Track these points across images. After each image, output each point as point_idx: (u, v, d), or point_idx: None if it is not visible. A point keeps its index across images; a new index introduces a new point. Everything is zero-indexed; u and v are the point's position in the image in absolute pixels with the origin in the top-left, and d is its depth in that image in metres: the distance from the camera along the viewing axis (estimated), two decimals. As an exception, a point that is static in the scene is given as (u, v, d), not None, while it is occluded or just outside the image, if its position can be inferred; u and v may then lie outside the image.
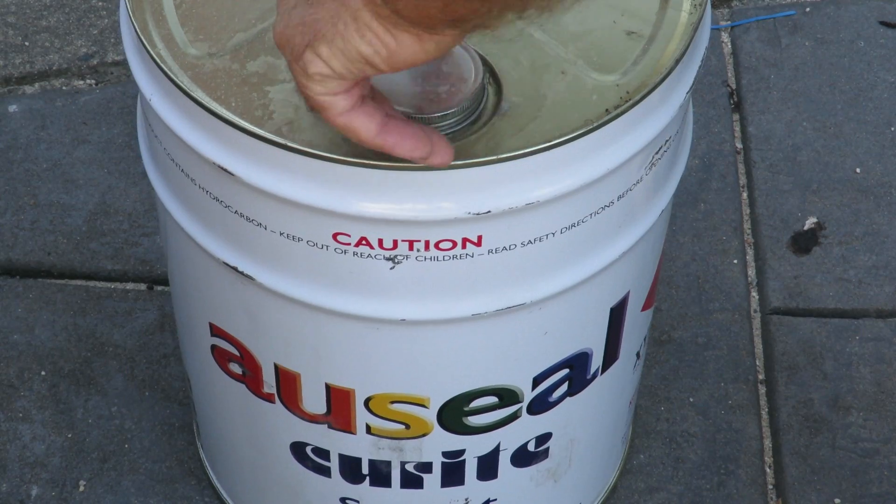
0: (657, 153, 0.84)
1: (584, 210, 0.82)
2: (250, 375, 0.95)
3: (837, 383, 1.28)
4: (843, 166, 1.44)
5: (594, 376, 0.97)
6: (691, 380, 1.29)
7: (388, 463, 0.97)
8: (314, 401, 0.93)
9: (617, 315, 0.94)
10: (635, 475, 1.23)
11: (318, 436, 0.96)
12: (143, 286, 1.35)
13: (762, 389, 1.29)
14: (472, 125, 0.79)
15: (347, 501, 1.02)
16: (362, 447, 0.96)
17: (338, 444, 0.96)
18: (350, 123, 0.71)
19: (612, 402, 1.04)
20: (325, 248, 0.81)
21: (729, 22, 1.58)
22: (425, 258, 0.80)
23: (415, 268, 0.81)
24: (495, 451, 0.98)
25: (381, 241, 0.79)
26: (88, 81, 1.53)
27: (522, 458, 1.00)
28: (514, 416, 0.95)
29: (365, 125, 0.71)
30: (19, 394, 1.27)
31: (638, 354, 1.04)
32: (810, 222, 1.40)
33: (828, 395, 1.27)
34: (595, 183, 0.80)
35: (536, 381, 0.93)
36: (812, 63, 1.53)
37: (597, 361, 0.96)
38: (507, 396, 0.93)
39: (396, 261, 0.80)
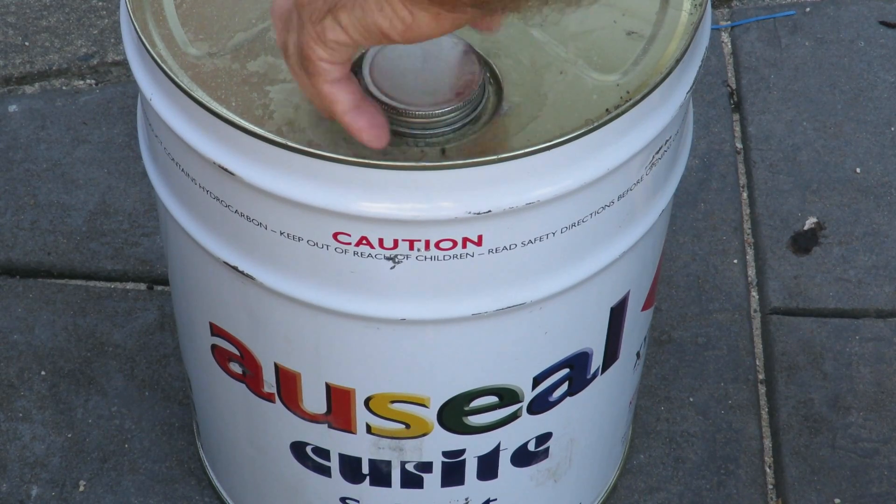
0: (657, 153, 0.84)
1: (585, 210, 0.82)
2: (250, 375, 0.95)
3: (837, 383, 1.28)
4: (843, 166, 1.44)
5: (594, 376, 0.97)
6: (691, 380, 1.29)
7: (389, 463, 0.97)
8: (314, 400, 0.93)
9: (617, 315, 0.94)
10: (635, 475, 1.23)
11: (319, 435, 0.96)
12: (143, 286, 1.35)
13: (762, 389, 1.29)
14: (472, 125, 0.79)
15: (347, 501, 1.02)
16: (362, 447, 0.96)
17: (338, 443, 0.96)
18: (333, 94, 0.73)
19: (612, 402, 1.04)
20: (325, 247, 0.81)
21: (729, 22, 1.58)
22: (426, 258, 0.80)
23: (415, 267, 0.81)
24: (495, 451, 0.98)
25: (381, 241, 0.79)
26: (88, 81, 1.53)
27: (522, 457, 1.00)
28: (514, 416, 0.95)
29: (343, 99, 0.73)
30: (19, 394, 1.27)
31: (638, 354, 1.04)
32: (810, 222, 1.40)
33: (828, 395, 1.27)
34: (595, 183, 0.80)
35: (536, 381, 0.93)
36: (812, 63, 1.54)
37: (597, 361, 0.96)
38: (507, 396, 0.93)
39: (397, 260, 0.80)
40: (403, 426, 0.94)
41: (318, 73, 0.72)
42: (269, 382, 0.94)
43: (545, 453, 1.01)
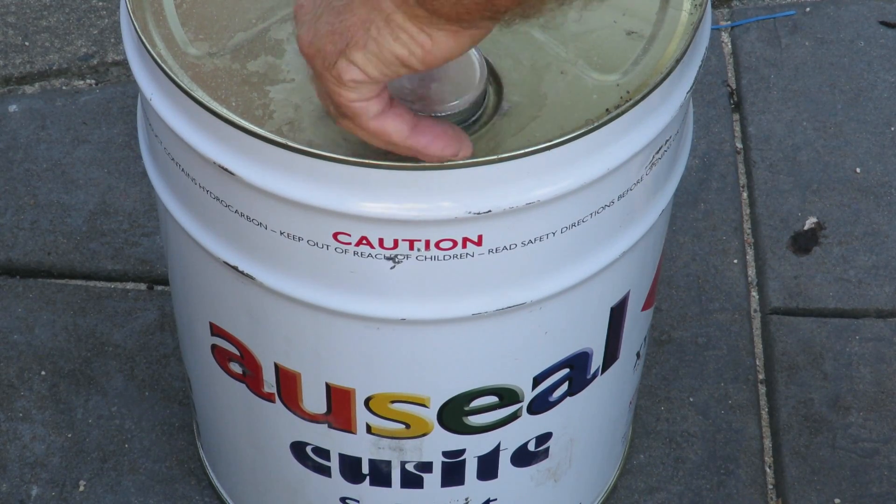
0: (657, 153, 0.84)
1: (585, 210, 0.82)
2: (250, 375, 0.95)
3: (837, 383, 1.28)
4: (843, 166, 1.44)
5: (594, 376, 0.97)
6: (691, 380, 1.29)
7: (389, 462, 0.97)
8: (314, 400, 0.93)
9: (617, 315, 0.94)
10: (635, 475, 1.23)
11: (319, 435, 0.96)
12: (143, 286, 1.35)
13: (762, 389, 1.29)
14: (472, 125, 0.79)
15: (347, 501, 1.02)
16: (362, 447, 0.96)
17: (338, 443, 0.96)
18: (382, 127, 0.72)
19: (612, 402, 1.04)
20: (325, 247, 0.81)
21: (729, 22, 1.58)
22: (426, 258, 0.80)
23: (415, 267, 0.81)
24: (495, 451, 0.98)
25: (381, 241, 0.79)
26: (88, 81, 1.53)
27: (522, 457, 1.00)
28: (514, 416, 0.95)
29: (397, 128, 0.72)
30: (19, 394, 1.27)
31: (638, 354, 1.04)
32: (810, 222, 1.40)
33: (828, 395, 1.27)
34: (595, 183, 0.80)
35: (537, 381, 0.93)
36: (812, 63, 1.54)
37: (597, 361, 0.96)
38: (507, 396, 0.93)
39: (397, 260, 0.80)
40: (403, 426, 0.94)
41: (356, 115, 0.71)
42: (269, 382, 0.94)
43: (545, 453, 1.01)
